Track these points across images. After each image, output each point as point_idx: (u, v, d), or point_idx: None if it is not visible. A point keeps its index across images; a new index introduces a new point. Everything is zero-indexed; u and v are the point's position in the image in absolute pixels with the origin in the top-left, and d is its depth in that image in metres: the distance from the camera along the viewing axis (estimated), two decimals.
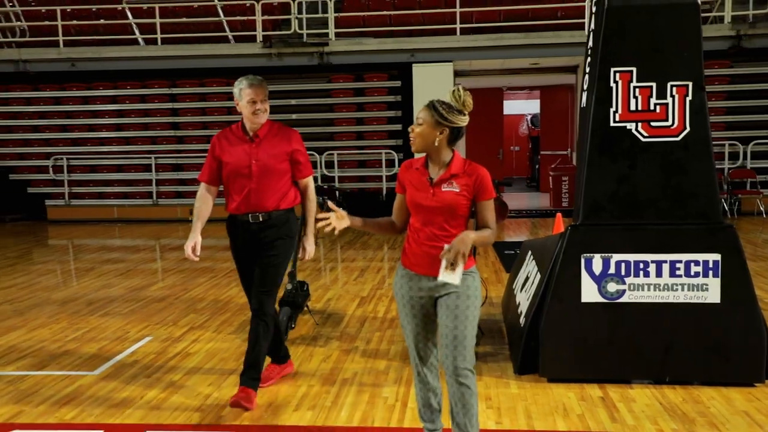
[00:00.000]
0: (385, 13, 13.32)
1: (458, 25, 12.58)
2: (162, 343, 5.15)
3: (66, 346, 5.11)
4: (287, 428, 3.58)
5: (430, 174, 2.89)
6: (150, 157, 13.19)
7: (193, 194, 12.79)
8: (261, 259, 3.79)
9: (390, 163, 12.89)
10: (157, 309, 6.21)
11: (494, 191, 2.84)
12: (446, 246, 2.67)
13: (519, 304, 4.81)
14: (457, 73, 13.45)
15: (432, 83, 12.43)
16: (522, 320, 4.45)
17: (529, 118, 20.47)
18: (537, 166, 17.86)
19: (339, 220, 2.85)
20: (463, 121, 2.85)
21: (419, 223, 2.88)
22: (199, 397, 4.04)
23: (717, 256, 3.99)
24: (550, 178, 13.82)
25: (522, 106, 20.57)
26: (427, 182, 2.87)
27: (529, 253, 5.25)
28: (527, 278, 4.89)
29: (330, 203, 2.94)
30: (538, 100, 17.84)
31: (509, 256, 7.99)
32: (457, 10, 12.56)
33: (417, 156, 3.01)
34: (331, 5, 12.84)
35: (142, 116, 13.55)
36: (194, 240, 3.77)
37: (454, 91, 2.84)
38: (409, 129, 2.89)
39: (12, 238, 11.54)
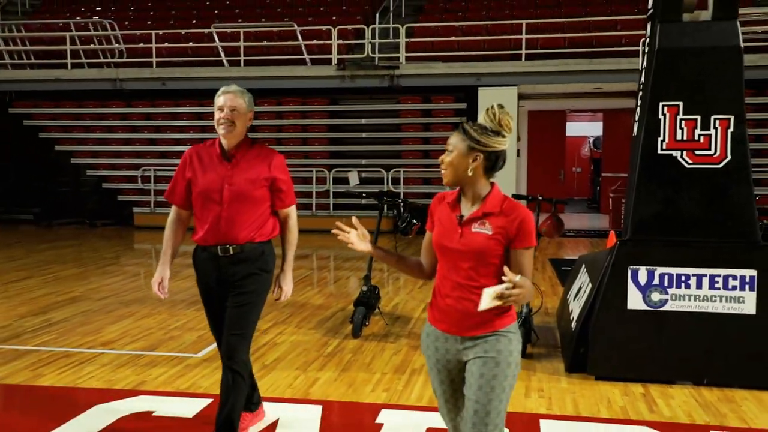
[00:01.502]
0: (453, 38, 13.96)
1: (523, 51, 13.10)
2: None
3: (170, 333, 5.89)
4: (367, 404, 4.21)
5: (462, 210, 2.43)
6: None
7: None
8: (232, 297, 3.29)
9: None
10: None
11: (536, 239, 2.39)
12: (514, 277, 2.16)
13: (572, 311, 5.32)
14: (521, 96, 13.93)
15: None
16: (574, 325, 4.96)
17: (591, 140, 20.70)
18: (598, 188, 18.09)
19: (360, 239, 2.49)
20: (501, 143, 2.37)
21: (445, 270, 2.44)
22: (289, 377, 4.72)
23: (753, 272, 4.43)
24: (610, 199, 14.11)
25: (585, 128, 20.81)
26: (455, 220, 2.41)
27: (583, 266, 5.75)
28: (580, 288, 5.40)
29: (355, 219, 2.54)
30: (601, 123, 18.11)
31: (565, 272, 8.44)
32: (523, 36, 13.09)
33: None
34: (402, 31, 13.57)
35: None
36: (161, 275, 3.39)
37: (488, 109, 2.38)
38: (440, 159, 2.43)
39: (104, 241, 12.62)
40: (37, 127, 15.04)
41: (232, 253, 3.25)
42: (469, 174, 2.38)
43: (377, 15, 15.10)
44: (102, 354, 5.21)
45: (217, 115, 3.22)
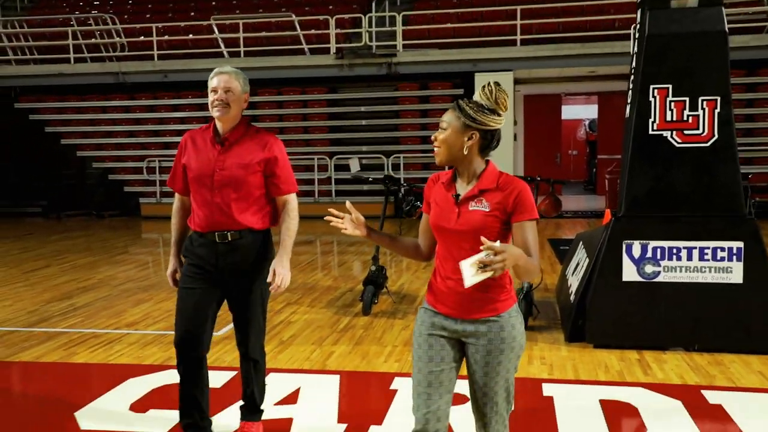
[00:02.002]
0: (449, 25, 14.19)
1: (518, 36, 13.34)
2: (268, 314, 6.17)
3: None
4: (381, 374, 4.51)
5: (457, 190, 2.36)
6: None
7: None
8: (235, 289, 3.18)
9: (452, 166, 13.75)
10: None
11: (536, 211, 2.30)
12: (498, 243, 2.05)
13: (570, 285, 5.63)
14: (517, 81, 14.18)
15: None
16: (572, 297, 5.27)
17: (587, 123, 20.97)
18: (594, 170, 18.40)
19: (354, 224, 2.42)
20: (498, 122, 2.30)
21: (444, 252, 2.36)
22: (306, 351, 5.02)
23: (740, 244, 4.73)
24: (606, 181, 14.41)
25: (580, 111, 21.08)
26: (452, 200, 2.34)
27: (581, 243, 6.05)
28: (578, 264, 5.71)
29: (348, 204, 2.48)
30: (596, 106, 18.38)
31: (564, 251, 8.74)
32: (518, 22, 13.32)
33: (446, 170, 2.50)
34: (399, 19, 13.79)
35: None
36: (174, 266, 3.30)
37: (484, 87, 2.30)
38: (432, 137, 2.36)
39: (112, 231, 12.90)
40: (42, 121, 15.26)
41: (230, 239, 3.10)
42: (465, 153, 2.30)
43: (373, 4, 15.32)
44: (128, 334, 5.51)
45: (211, 97, 3.04)
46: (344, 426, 3.68)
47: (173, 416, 3.67)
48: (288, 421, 3.75)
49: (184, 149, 3.21)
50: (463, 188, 2.36)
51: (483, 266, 2.02)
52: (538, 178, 6.01)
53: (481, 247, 2.04)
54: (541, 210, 5.89)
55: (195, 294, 3.15)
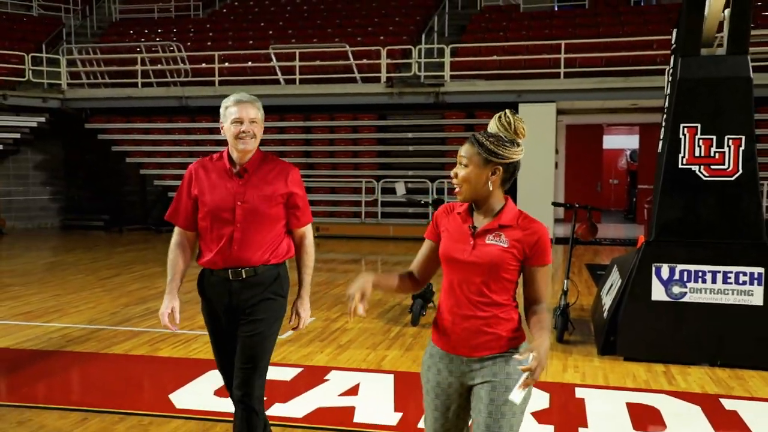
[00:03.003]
0: (495, 58, 14.80)
1: (562, 69, 13.87)
2: (323, 322, 6.79)
3: None
4: None
5: (474, 222, 2.30)
6: None
7: (321, 213, 14.82)
8: (243, 326, 2.98)
9: None
10: (313, 299, 7.84)
11: (551, 256, 2.27)
12: (532, 355, 2.05)
13: (604, 303, 6.11)
14: (560, 111, 14.67)
15: (536, 121, 13.77)
16: (605, 314, 5.76)
17: (628, 153, 21.27)
18: (634, 199, 18.68)
19: (365, 299, 2.33)
20: (518, 153, 2.23)
21: (452, 285, 2.28)
22: (362, 354, 5.61)
23: (761, 269, 5.18)
24: (646, 210, 14.74)
25: (622, 141, 21.39)
26: (467, 231, 2.27)
27: (615, 266, 6.54)
28: (612, 285, 6.20)
29: (359, 309, 2.30)
30: (638, 136, 18.71)
31: (600, 276, 9.18)
32: (562, 55, 13.87)
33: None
34: (447, 51, 14.47)
35: (280, 145, 15.64)
36: (171, 305, 3.06)
37: (500, 116, 2.24)
38: (452, 173, 2.28)
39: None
40: (110, 141, 16.33)
41: (244, 276, 2.94)
42: (489, 188, 2.23)
43: (423, 36, 16.06)
44: (203, 335, 6.18)
45: (235, 128, 2.89)
46: (400, 414, 4.25)
47: None
48: (351, 409, 4.33)
49: (193, 181, 3.00)
50: (480, 221, 2.28)
51: (530, 382, 2.06)
52: (577, 205, 6.53)
53: (520, 368, 2.06)
54: (578, 234, 6.41)
55: (219, 338, 3.08)
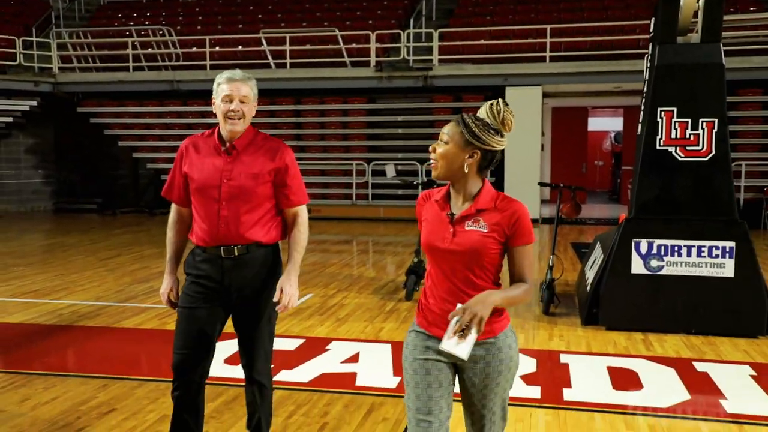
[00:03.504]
0: (482, 42, 15.08)
1: (548, 53, 14.18)
2: (321, 298, 7.12)
3: None
4: None
5: (452, 208, 2.27)
6: None
7: (312, 195, 15.07)
8: (241, 308, 2.95)
9: None
10: (309, 278, 8.20)
11: (534, 235, 2.25)
12: (459, 305, 2.10)
13: (587, 278, 6.49)
14: (546, 95, 15.01)
15: (522, 104, 14.11)
16: (589, 287, 6.13)
17: (612, 135, 21.68)
18: (618, 180, 19.11)
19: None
20: (500, 144, 2.22)
21: (437, 272, 2.28)
22: (360, 326, 5.95)
23: (732, 243, 5.56)
24: (629, 191, 15.15)
25: (606, 123, 21.79)
26: (446, 219, 2.25)
27: (598, 243, 6.91)
28: (595, 260, 6.57)
29: None
30: (622, 118, 19.10)
31: (584, 253, 9.57)
32: (548, 40, 14.17)
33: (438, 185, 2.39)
34: (435, 35, 14.73)
35: (271, 128, 15.86)
36: (170, 285, 3.04)
37: (492, 104, 2.22)
38: (430, 149, 2.27)
39: (163, 226, 13.96)
40: (102, 124, 16.47)
41: (237, 254, 2.88)
42: (465, 170, 2.22)
43: (411, 20, 16.28)
44: None
45: (225, 106, 2.83)
46: (398, 379, 4.59)
47: None
48: (353, 374, 4.67)
49: (184, 157, 2.96)
50: (458, 207, 2.27)
51: (461, 331, 2.04)
52: (561, 185, 6.87)
53: (448, 317, 2.09)
54: (563, 213, 6.77)
55: (198, 315, 2.92)
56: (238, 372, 4.63)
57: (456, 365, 2.29)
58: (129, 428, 3.73)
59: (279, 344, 5.27)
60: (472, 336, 2.04)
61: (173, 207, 3.06)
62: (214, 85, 2.89)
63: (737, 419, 3.90)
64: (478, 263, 2.20)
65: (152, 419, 3.88)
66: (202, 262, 2.92)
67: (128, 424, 3.79)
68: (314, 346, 5.31)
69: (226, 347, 5.11)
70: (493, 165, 2.28)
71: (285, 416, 3.93)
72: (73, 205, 17.12)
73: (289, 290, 2.90)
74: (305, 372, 4.70)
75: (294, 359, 4.98)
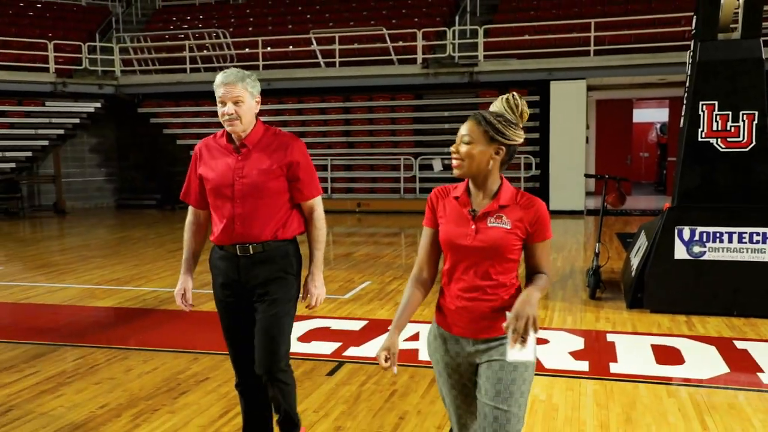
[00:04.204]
0: (526, 37, 15.35)
1: (592, 47, 14.39)
2: (378, 284, 7.61)
3: None
4: None
5: (473, 205, 2.27)
6: (326, 159, 16.03)
7: (361, 190, 15.64)
8: (259, 306, 2.96)
9: (528, 166, 14.89)
10: (365, 267, 8.71)
11: (551, 230, 2.27)
12: (509, 314, 2.08)
13: (632, 264, 6.82)
14: (590, 88, 15.21)
15: (567, 97, 14.37)
16: (633, 273, 6.47)
17: (658, 126, 21.64)
18: (664, 171, 19.13)
19: (394, 358, 2.27)
20: (521, 137, 2.24)
21: (456, 269, 2.25)
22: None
23: None
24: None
25: (652, 115, 21.75)
26: (467, 215, 2.24)
27: (642, 231, 7.23)
28: (639, 247, 6.89)
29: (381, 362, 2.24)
30: (667, 110, 19.10)
31: (629, 243, 9.85)
32: (591, 34, 14.37)
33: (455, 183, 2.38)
34: (480, 31, 15.07)
35: (321, 125, 16.45)
36: (183, 286, 3.09)
37: (508, 99, 2.24)
38: (452, 149, 2.26)
39: None
40: (161, 124, 17.30)
41: (252, 252, 2.91)
42: (490, 168, 2.22)
43: (456, 17, 16.64)
44: None
45: (220, 110, 2.87)
46: None
47: (328, 347, 5.16)
48: (415, 351, 5.13)
49: (198, 160, 3.02)
50: (479, 203, 2.26)
51: (521, 338, 2.07)
52: (607, 176, 7.21)
53: (504, 328, 2.11)
54: (608, 202, 7.11)
55: (230, 313, 3.04)
56: (312, 348, 5.17)
57: (476, 366, 2.31)
58: (225, 393, 4.27)
59: (345, 325, 5.82)
60: (532, 337, 2.08)
61: (190, 209, 3.11)
62: (214, 86, 2.89)
63: None
64: (500, 259, 2.20)
65: (213, 415, 4.41)
66: (220, 260, 2.99)
67: (223, 389, 4.33)
68: (377, 327, 5.80)
69: (298, 328, 5.64)
70: (511, 160, 2.27)
71: (358, 384, 4.42)
72: (134, 201, 18.02)
73: (314, 291, 3.03)
74: (372, 348, 5.18)
75: (361, 338, 5.48)
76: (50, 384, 4.44)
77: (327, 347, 5.20)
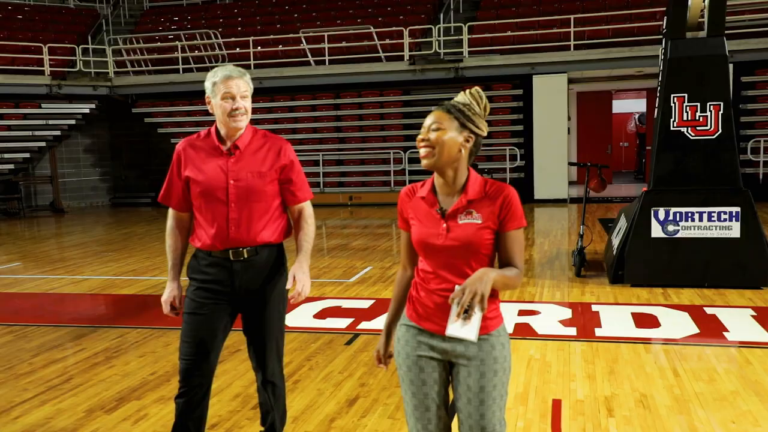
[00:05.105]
0: (509, 33, 15.96)
1: (572, 42, 15.02)
2: (380, 269, 8.17)
3: (323, 269, 8.25)
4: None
5: (441, 203, 2.20)
6: (318, 155, 16.55)
7: (352, 183, 16.19)
8: (252, 310, 2.89)
9: (513, 158, 15.51)
10: (364, 255, 9.28)
11: (524, 219, 2.19)
12: (457, 287, 2.02)
13: (614, 245, 7.45)
14: (570, 81, 15.84)
15: (549, 90, 15.01)
16: (615, 252, 7.09)
17: (636, 116, 22.39)
18: (643, 160, 19.88)
19: (387, 356, 2.38)
20: (486, 128, 2.21)
21: (430, 267, 2.20)
22: None
23: (738, 209, 6.48)
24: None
25: (630, 105, 22.51)
26: (437, 215, 2.18)
27: (622, 214, 7.87)
28: (620, 229, 7.52)
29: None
30: (645, 100, 19.83)
31: (611, 228, 10.51)
32: (571, 29, 15.01)
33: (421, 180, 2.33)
34: (464, 28, 15.65)
35: (312, 122, 16.97)
36: (172, 294, 2.94)
37: (473, 92, 2.20)
38: (418, 138, 2.18)
39: None
40: (155, 123, 17.73)
41: (246, 257, 2.82)
42: (462, 155, 2.15)
43: (441, 15, 17.20)
44: None
45: (228, 105, 2.74)
46: None
47: (343, 322, 5.73)
48: None
49: (182, 161, 2.87)
50: (447, 201, 2.20)
51: (465, 313, 1.97)
52: (589, 164, 7.83)
53: (448, 301, 2.03)
54: (590, 188, 7.73)
55: (204, 321, 2.84)
56: (328, 323, 5.73)
57: (450, 364, 2.23)
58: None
59: (355, 304, 6.39)
60: (477, 316, 1.98)
61: (171, 212, 2.96)
62: (208, 84, 2.79)
63: (735, 345, 4.88)
64: (475, 255, 2.14)
65: (251, 378, 4.96)
66: (209, 266, 2.84)
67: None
68: (384, 305, 6.36)
69: (312, 307, 6.20)
70: (477, 153, 2.22)
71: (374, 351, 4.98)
72: (129, 199, 18.43)
73: (302, 277, 2.84)
74: (382, 322, 5.75)
75: (371, 314, 6.05)
76: (100, 358, 4.96)
77: (341, 322, 5.76)
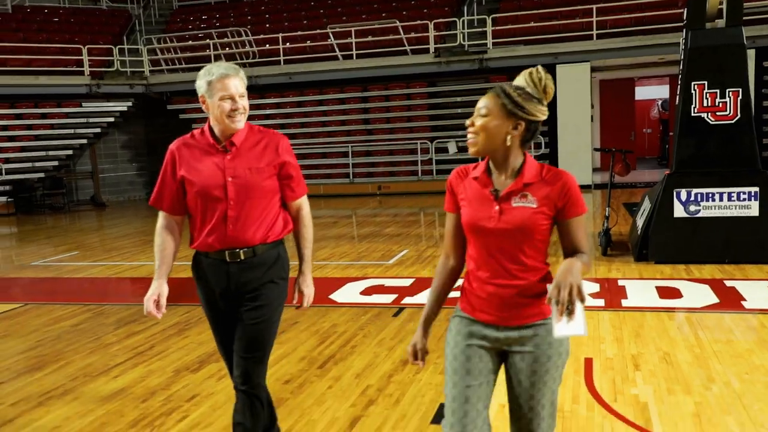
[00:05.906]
0: (532, 24, 16.31)
1: (594, 31, 15.34)
2: (416, 252, 8.67)
3: (363, 252, 8.77)
4: None
5: (495, 185, 2.12)
6: (347, 146, 17.07)
7: (381, 174, 16.69)
8: (246, 312, 2.79)
9: (537, 146, 15.89)
10: (401, 239, 9.78)
11: (585, 205, 2.11)
12: (550, 286, 1.91)
13: (638, 225, 7.87)
14: (593, 69, 16.16)
15: (572, 79, 15.35)
16: (639, 231, 7.52)
17: (659, 103, 22.57)
18: (666, 146, 20.10)
19: (424, 352, 2.28)
20: (543, 113, 2.09)
21: (482, 254, 2.12)
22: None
23: (756, 189, 6.87)
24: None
25: (653, 92, 22.67)
26: (490, 196, 2.11)
27: (646, 196, 8.28)
28: (644, 210, 7.94)
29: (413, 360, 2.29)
30: (668, 86, 20.03)
31: (635, 211, 10.90)
32: (594, 18, 15.33)
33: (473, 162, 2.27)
34: (489, 20, 16.03)
35: (341, 115, 17.48)
36: (157, 291, 2.84)
37: (531, 73, 2.09)
38: (467, 123, 2.12)
39: None
40: (190, 119, 18.35)
41: (243, 258, 2.76)
42: (507, 144, 2.08)
43: (464, 6, 17.59)
44: (327, 264, 8.13)
45: (228, 105, 2.69)
46: None
47: (387, 298, 6.24)
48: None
49: (176, 162, 2.81)
50: (501, 183, 2.12)
51: (567, 310, 1.88)
52: (613, 149, 8.24)
53: (546, 302, 1.97)
54: (615, 172, 8.15)
55: (220, 316, 2.88)
56: (374, 299, 6.24)
57: (501, 353, 2.18)
58: (315, 330, 5.35)
59: (397, 282, 6.90)
60: (579, 308, 1.88)
61: (162, 214, 2.88)
62: (203, 83, 2.73)
63: (753, 312, 5.31)
64: (529, 241, 2.07)
65: (312, 344, 5.50)
66: (207, 267, 2.82)
67: (313, 328, 5.42)
68: (425, 282, 6.86)
69: (357, 286, 6.72)
70: (534, 137, 2.13)
71: None
72: None
73: (306, 291, 2.92)
74: (424, 297, 6.25)
75: (413, 290, 6.56)
76: (173, 330, 5.54)
77: (386, 298, 6.28)
